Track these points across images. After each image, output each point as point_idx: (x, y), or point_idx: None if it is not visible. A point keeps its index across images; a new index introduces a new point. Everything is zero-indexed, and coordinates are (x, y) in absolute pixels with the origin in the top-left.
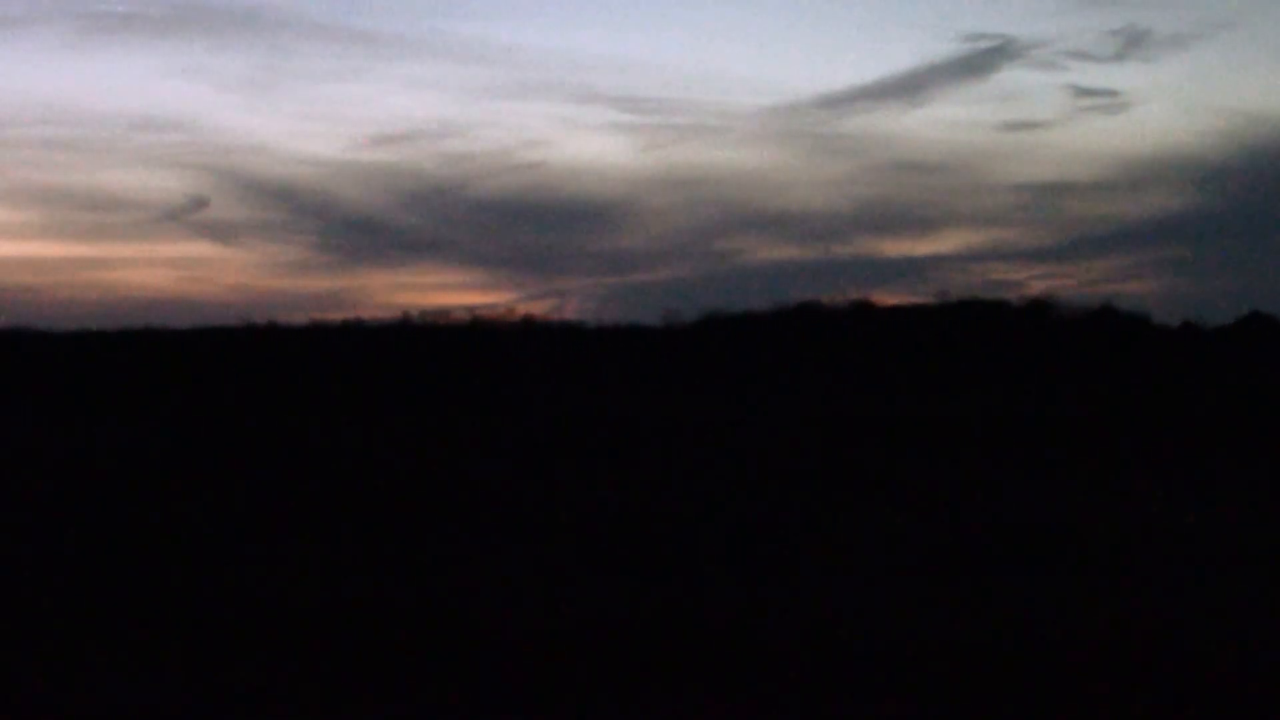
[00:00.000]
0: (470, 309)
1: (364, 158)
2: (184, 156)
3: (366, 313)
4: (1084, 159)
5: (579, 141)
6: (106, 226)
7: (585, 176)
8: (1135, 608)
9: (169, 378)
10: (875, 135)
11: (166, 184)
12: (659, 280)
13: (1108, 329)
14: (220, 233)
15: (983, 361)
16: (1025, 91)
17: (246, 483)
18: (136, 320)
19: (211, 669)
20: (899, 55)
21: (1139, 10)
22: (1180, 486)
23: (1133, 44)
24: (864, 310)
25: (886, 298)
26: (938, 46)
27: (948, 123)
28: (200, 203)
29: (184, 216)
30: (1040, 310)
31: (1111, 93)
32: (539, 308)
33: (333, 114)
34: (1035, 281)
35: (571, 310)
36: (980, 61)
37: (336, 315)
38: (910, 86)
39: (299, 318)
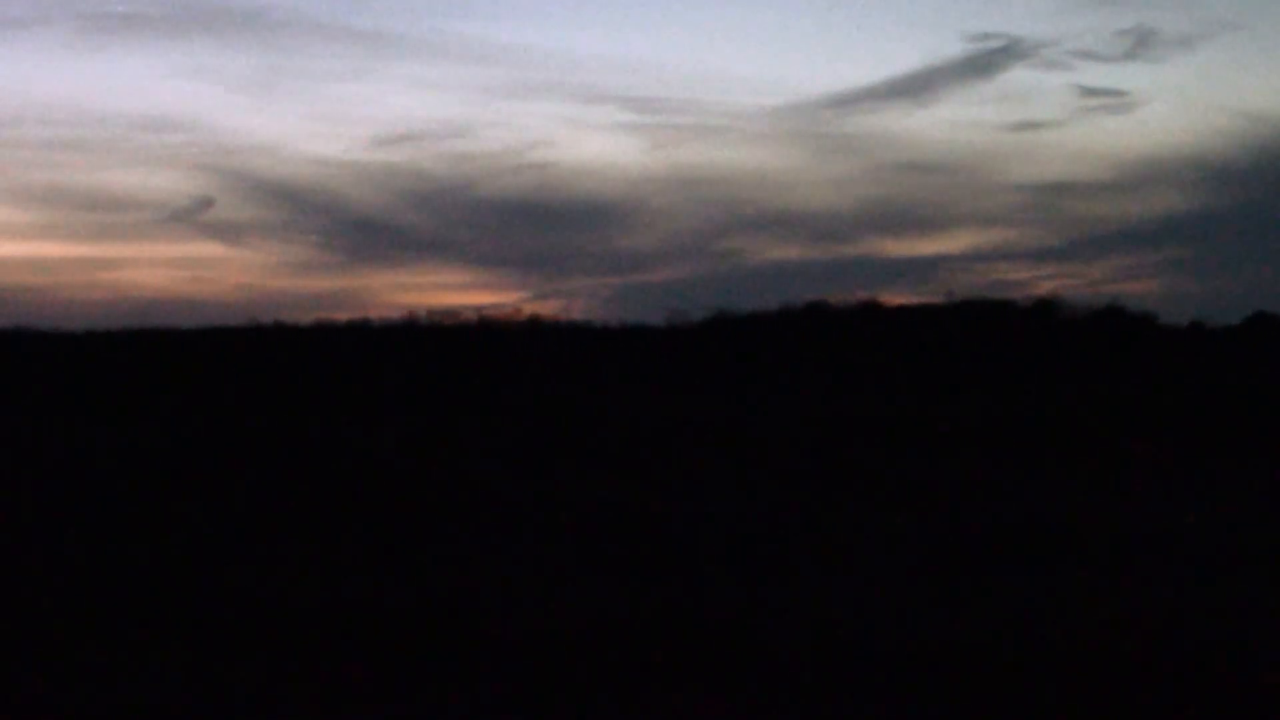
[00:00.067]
0: (477, 309)
1: (369, 158)
2: (187, 157)
3: (372, 313)
4: (1091, 159)
5: (584, 142)
6: (110, 227)
7: (590, 177)
8: (1135, 607)
9: (173, 378)
10: (881, 135)
11: (170, 184)
12: (664, 280)
13: (1114, 329)
14: (225, 233)
15: (989, 361)
16: (1031, 91)
17: (249, 483)
18: (141, 321)
19: (212, 669)
20: (905, 55)
21: (1146, 10)
22: (1181, 486)
23: (1140, 44)
24: (870, 310)
25: (892, 298)
26: (944, 46)
27: (954, 122)
28: (205, 203)
29: (188, 216)
30: (1046, 310)
31: (1118, 93)
32: (545, 308)
33: (337, 114)
34: (1042, 281)
35: (578, 310)
36: (986, 61)
37: (342, 315)
38: (916, 86)
39: (304, 318)
